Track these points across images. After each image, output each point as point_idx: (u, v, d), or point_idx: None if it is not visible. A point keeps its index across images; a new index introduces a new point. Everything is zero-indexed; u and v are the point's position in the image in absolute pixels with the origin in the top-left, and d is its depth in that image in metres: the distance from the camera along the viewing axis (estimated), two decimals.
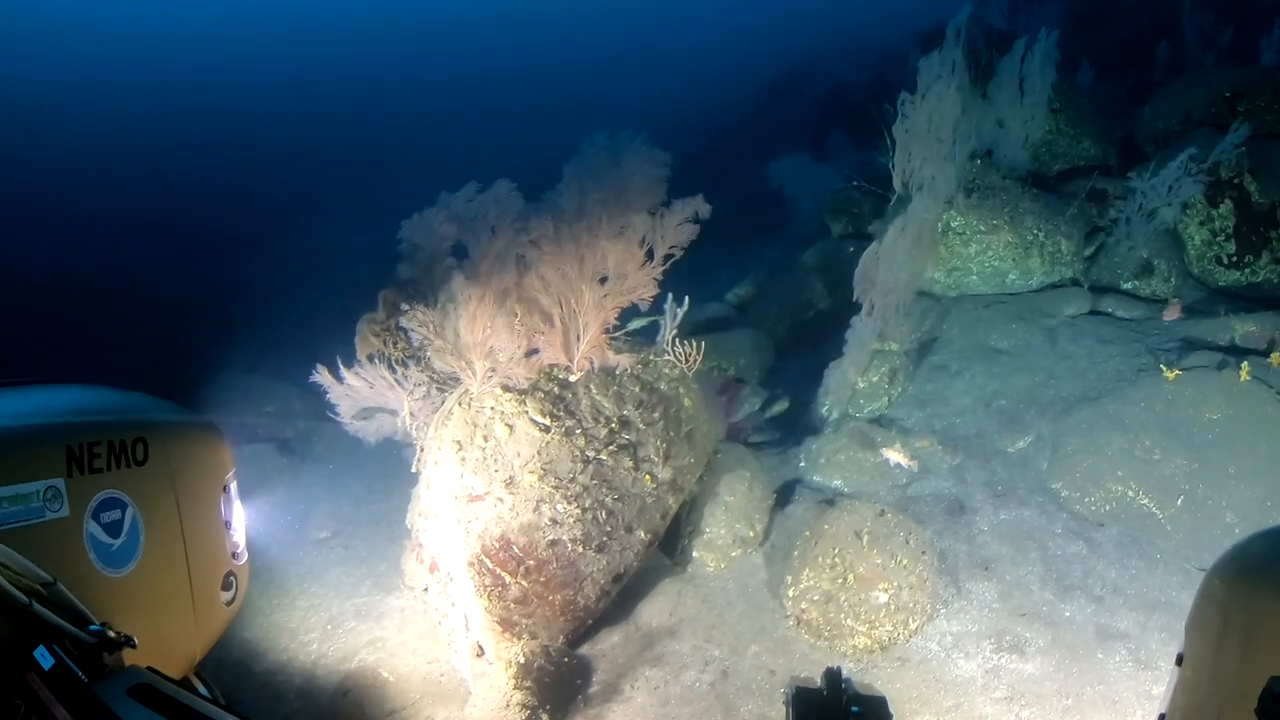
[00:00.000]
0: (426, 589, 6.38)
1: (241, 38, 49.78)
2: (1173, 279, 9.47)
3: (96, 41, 46.32)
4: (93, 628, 1.90)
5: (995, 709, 5.35)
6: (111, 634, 1.91)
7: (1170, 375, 7.40)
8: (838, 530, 6.16)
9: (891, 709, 2.21)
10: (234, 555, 2.86)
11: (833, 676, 2.26)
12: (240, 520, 2.92)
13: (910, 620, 5.91)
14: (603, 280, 6.31)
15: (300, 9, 56.34)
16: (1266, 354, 7.63)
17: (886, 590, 5.89)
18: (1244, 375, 7.19)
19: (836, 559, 6.04)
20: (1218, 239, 9.50)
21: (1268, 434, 6.90)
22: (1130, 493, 6.92)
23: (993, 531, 6.76)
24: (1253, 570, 1.78)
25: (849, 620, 5.89)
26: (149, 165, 24.72)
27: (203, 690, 2.47)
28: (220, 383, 10.84)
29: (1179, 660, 1.95)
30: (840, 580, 5.98)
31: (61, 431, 2.22)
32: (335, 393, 6.18)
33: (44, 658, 1.72)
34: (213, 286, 16.67)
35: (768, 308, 11.28)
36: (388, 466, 8.55)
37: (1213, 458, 6.91)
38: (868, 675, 5.68)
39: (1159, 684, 5.38)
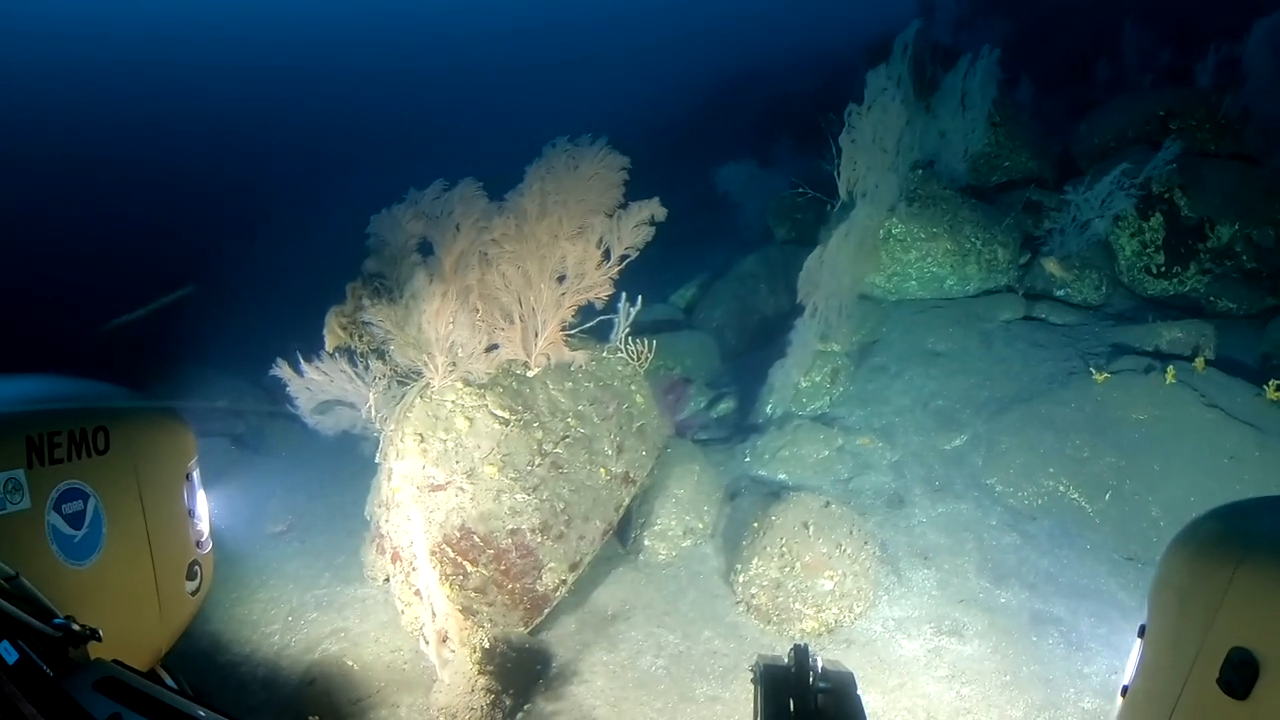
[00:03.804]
0: (388, 579, 6.47)
1: (196, 23, 49.26)
2: (1103, 287, 9.86)
3: (47, 26, 45.48)
4: (57, 621, 1.88)
5: (938, 687, 5.63)
6: (76, 627, 1.88)
7: (1100, 378, 7.73)
8: (785, 521, 6.41)
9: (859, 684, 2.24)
10: (198, 544, 2.84)
11: (800, 653, 2.28)
12: (204, 508, 2.90)
13: (855, 605, 6.18)
14: (561, 279, 6.46)
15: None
16: (1191, 359, 7.96)
17: (832, 577, 6.15)
18: (1170, 379, 7.52)
19: (784, 548, 6.29)
20: (1148, 250, 9.88)
21: (1191, 434, 7.22)
22: (1061, 488, 7.24)
23: (931, 523, 7.07)
24: (1208, 547, 1.86)
25: (797, 605, 6.14)
26: (102, 157, 24.26)
27: (170, 682, 2.47)
28: (173, 376, 10.79)
29: (1141, 632, 2.06)
30: (788, 568, 6.23)
31: (20, 422, 2.20)
32: (295, 386, 6.20)
33: (8, 653, 1.68)
34: (166, 280, 16.43)
35: (713, 310, 11.44)
36: (341, 460, 8.59)
37: (1139, 456, 7.22)
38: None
39: (1090, 664, 5.73)
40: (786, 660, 2.29)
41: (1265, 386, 7.52)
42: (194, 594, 2.80)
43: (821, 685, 2.20)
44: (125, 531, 2.45)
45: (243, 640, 6.66)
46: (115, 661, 1.90)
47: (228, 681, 6.20)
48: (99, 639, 1.92)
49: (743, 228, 14.45)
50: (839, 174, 8.89)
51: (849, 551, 6.25)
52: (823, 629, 6.12)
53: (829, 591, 6.13)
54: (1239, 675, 1.55)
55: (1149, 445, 7.28)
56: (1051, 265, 9.68)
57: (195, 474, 2.85)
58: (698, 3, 51.46)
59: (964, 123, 10.33)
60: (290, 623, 6.82)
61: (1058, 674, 5.67)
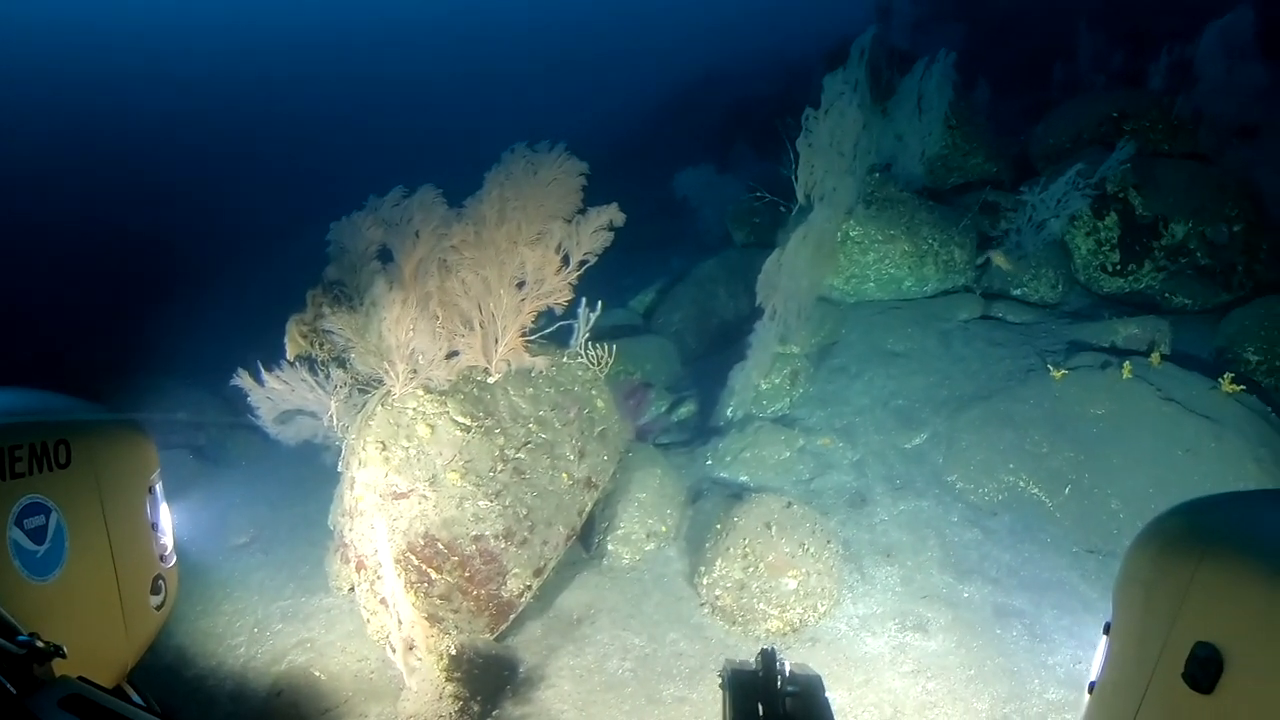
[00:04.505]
0: (353, 588, 6.44)
1: (156, 29, 48.88)
2: (1060, 286, 9.99)
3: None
4: (21, 638, 1.84)
5: (903, 682, 5.69)
6: (40, 644, 1.84)
7: (1057, 375, 7.85)
8: (747, 522, 6.45)
9: (826, 686, 2.25)
10: (162, 558, 2.80)
11: (768, 657, 2.28)
12: (167, 522, 2.85)
13: (819, 604, 6.22)
14: (520, 285, 6.46)
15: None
16: (1147, 354, 8.10)
17: (795, 577, 6.19)
18: (1126, 374, 7.65)
19: (747, 549, 6.33)
20: (1103, 249, 10.03)
21: (1149, 427, 7.36)
22: (1021, 483, 7.34)
23: (893, 521, 7.14)
24: (1172, 543, 1.87)
25: (761, 605, 6.17)
26: (60, 163, 23.97)
27: (136, 699, 2.45)
28: (133, 388, 10.69)
29: (1106, 630, 2.07)
30: (751, 569, 6.26)
31: None
32: (256, 396, 6.15)
33: None
34: (125, 289, 16.27)
35: (672, 314, 11.43)
36: (302, 471, 8.54)
37: (1098, 450, 7.35)
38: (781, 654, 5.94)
39: (1053, 654, 5.83)
40: (754, 664, 2.29)
41: (1220, 380, 7.66)
42: (159, 608, 2.76)
43: (790, 688, 2.21)
44: (88, 546, 2.41)
45: (209, 654, 6.59)
46: (80, 678, 1.86)
47: (195, 695, 6.14)
48: (64, 656, 1.88)
49: (702, 232, 14.53)
50: (797, 178, 8.96)
51: (812, 550, 6.29)
52: (788, 628, 6.16)
53: (793, 591, 6.17)
54: (1204, 669, 1.56)
55: (1107, 439, 7.40)
56: (998, 258, 9.83)
57: (158, 487, 2.81)
58: (657, 11, 51.68)
59: (921, 126, 10.45)
60: (256, 634, 6.76)
61: (1022, 665, 5.76)
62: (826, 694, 2.21)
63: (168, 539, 2.86)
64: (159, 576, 2.76)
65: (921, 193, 10.47)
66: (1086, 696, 2.16)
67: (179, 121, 31.06)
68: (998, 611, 6.24)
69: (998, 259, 9.82)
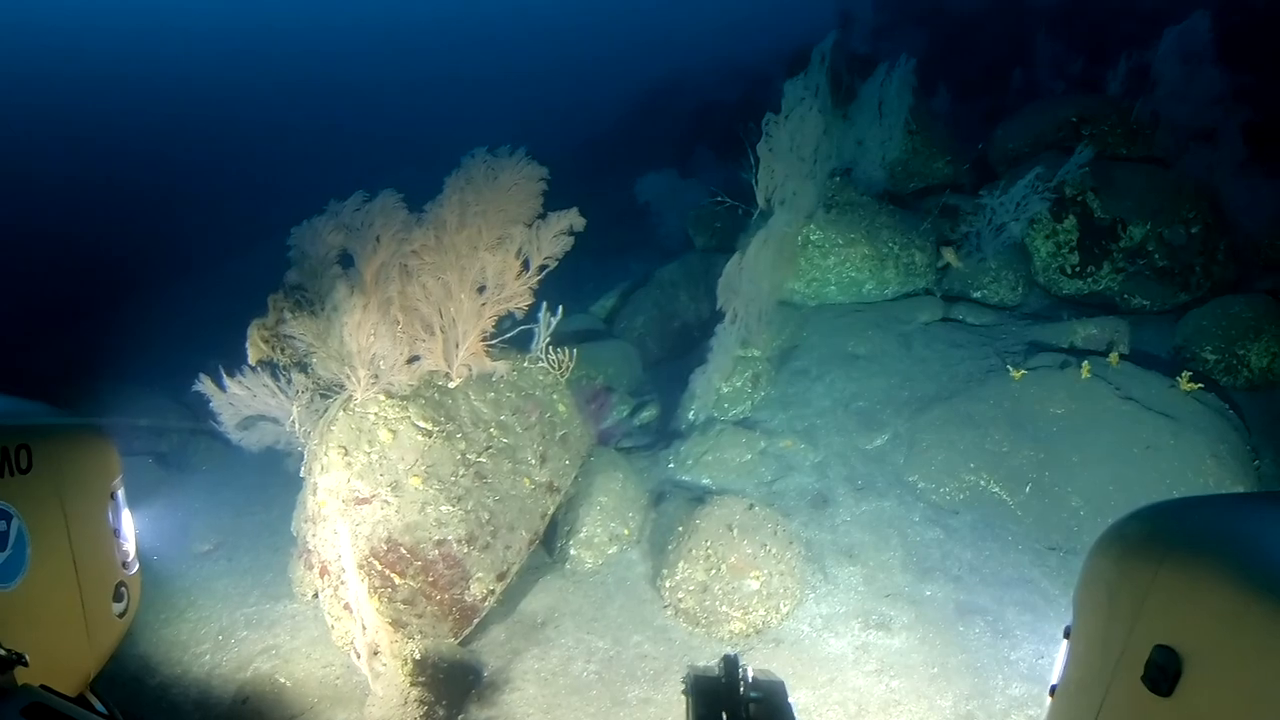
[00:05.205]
0: (317, 594, 6.42)
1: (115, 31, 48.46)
2: (1020, 288, 10.10)
3: None
4: None
5: (867, 681, 5.73)
6: (2, 652, 1.84)
7: (1017, 375, 7.94)
8: (709, 524, 6.48)
9: (790, 692, 2.23)
10: (124, 565, 2.76)
11: (730, 663, 2.27)
12: (130, 528, 2.82)
13: (782, 605, 6.26)
14: (481, 289, 6.47)
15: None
16: (1106, 354, 8.20)
17: (758, 578, 6.22)
18: (1085, 373, 7.76)
19: (710, 550, 6.35)
20: (1062, 251, 10.16)
21: (1108, 425, 7.46)
22: (982, 482, 7.41)
23: (855, 521, 7.19)
24: (1132, 548, 1.88)
25: (724, 607, 6.20)
26: (17, 166, 23.66)
27: (99, 707, 2.42)
28: (94, 393, 10.61)
29: (1066, 634, 2.09)
30: (714, 570, 6.29)
31: None
32: (218, 401, 6.14)
33: None
34: (85, 294, 16.09)
35: (634, 319, 11.41)
36: (266, 478, 8.53)
37: (1058, 448, 7.44)
38: (745, 658, 5.94)
39: (1016, 650, 5.89)
40: (717, 670, 2.29)
41: (1178, 378, 7.78)
42: (121, 616, 2.72)
43: (753, 695, 2.21)
44: (50, 552, 2.37)
45: (173, 661, 6.56)
46: (43, 687, 1.86)
47: (160, 704, 6.11)
48: (25, 664, 1.87)
49: (664, 237, 14.57)
50: (757, 182, 9.01)
51: (774, 551, 6.33)
52: (751, 630, 6.20)
53: (755, 592, 6.20)
54: (1163, 673, 1.57)
55: (1067, 438, 7.49)
56: (949, 255, 9.95)
57: (120, 493, 2.77)
58: (620, 17, 51.76)
59: (881, 130, 10.54)
60: (221, 642, 6.74)
61: (985, 661, 5.82)
62: (790, 699, 2.22)
63: (130, 545, 2.83)
64: (121, 583, 2.72)
65: (882, 197, 10.55)
66: (1048, 699, 2.18)
67: (140, 125, 30.80)
68: (960, 609, 6.30)
69: (948, 255, 9.95)
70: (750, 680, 2.25)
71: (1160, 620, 1.67)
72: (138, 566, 2.88)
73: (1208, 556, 1.64)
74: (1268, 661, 1.38)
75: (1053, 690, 2.15)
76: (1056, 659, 2.14)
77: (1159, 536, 1.82)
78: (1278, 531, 1.69)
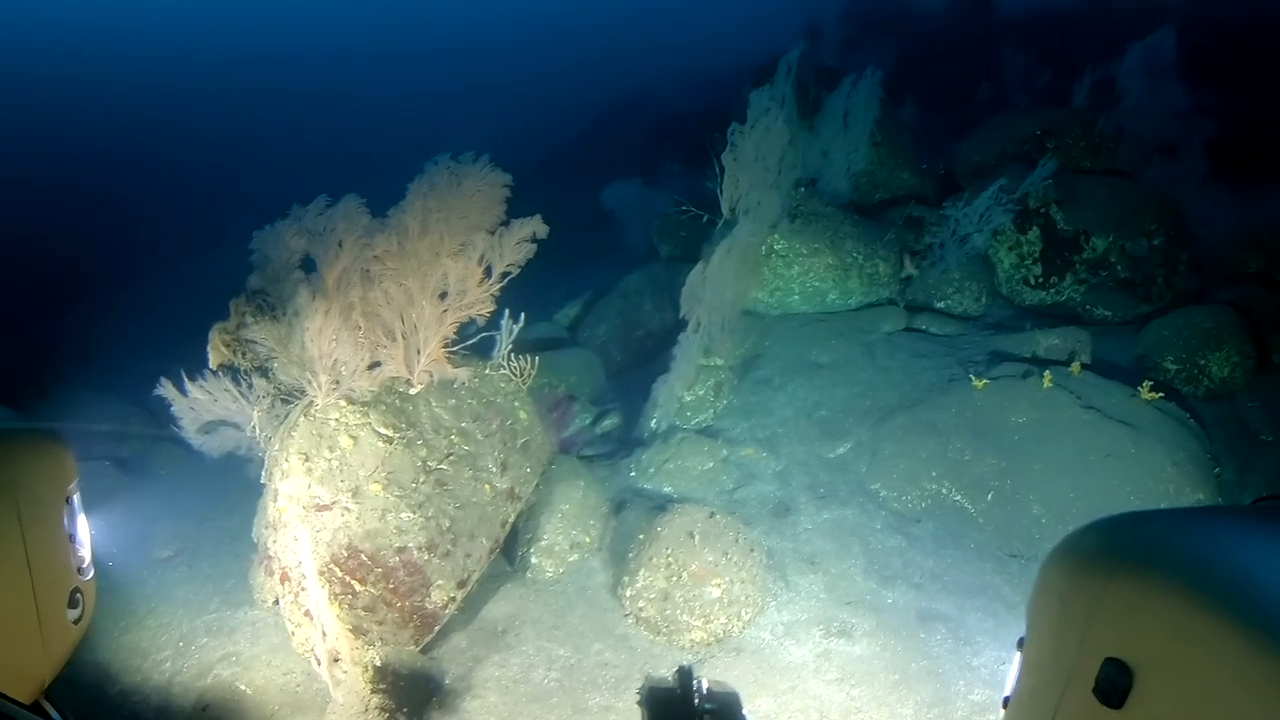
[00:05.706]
0: (277, 601, 6.38)
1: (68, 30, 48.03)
2: (983, 298, 10.19)
3: None
4: None
5: (828, 689, 5.76)
6: None
7: (979, 384, 8.00)
8: (671, 532, 6.49)
9: (744, 704, 2.22)
10: (80, 570, 2.63)
11: (684, 675, 2.26)
12: (85, 533, 2.68)
13: (743, 612, 6.28)
14: (443, 296, 6.46)
15: None
16: (1068, 364, 8.32)
17: (719, 585, 6.24)
18: (1047, 383, 7.84)
19: (671, 558, 6.37)
20: (1025, 262, 10.26)
21: (1069, 434, 7.55)
22: (944, 490, 7.48)
23: (817, 529, 7.23)
24: (1086, 560, 1.86)
25: (685, 616, 6.21)
26: None
27: (55, 715, 2.34)
28: (51, 398, 10.49)
29: (1020, 644, 2.06)
30: (675, 578, 6.30)
31: None
32: (179, 406, 6.09)
33: None
34: (43, 297, 15.89)
35: (597, 327, 11.35)
36: (228, 484, 8.39)
37: (1020, 457, 7.51)
38: (705, 666, 6.00)
39: (978, 656, 5.95)
40: (672, 681, 2.29)
41: (1140, 388, 7.86)
42: (76, 622, 2.58)
43: (708, 706, 2.21)
44: (2, 557, 2.28)
45: (133, 669, 6.47)
46: None
47: (120, 712, 6.03)
48: None
49: (629, 246, 14.53)
50: (722, 192, 9.05)
51: (735, 559, 6.35)
52: (712, 638, 6.21)
53: (716, 599, 6.22)
54: (1114, 685, 1.56)
55: (1029, 446, 7.57)
56: (906, 262, 10.07)
57: (76, 497, 2.63)
58: (586, 26, 51.79)
59: (846, 141, 10.62)
60: (181, 649, 6.65)
61: (947, 668, 5.87)
62: (744, 710, 2.22)
63: (86, 551, 2.67)
64: (76, 590, 2.58)
65: (847, 207, 10.63)
66: (1001, 711, 2.17)
67: (99, 126, 30.40)
68: (921, 616, 6.34)
69: (906, 262, 10.08)
70: (705, 691, 2.25)
71: (1111, 633, 1.66)
72: (93, 572, 2.74)
73: (1158, 569, 1.64)
74: (1215, 674, 1.38)
75: (1005, 701, 2.13)
76: (1010, 670, 2.12)
77: (1111, 549, 1.82)
78: (1229, 545, 1.69)
